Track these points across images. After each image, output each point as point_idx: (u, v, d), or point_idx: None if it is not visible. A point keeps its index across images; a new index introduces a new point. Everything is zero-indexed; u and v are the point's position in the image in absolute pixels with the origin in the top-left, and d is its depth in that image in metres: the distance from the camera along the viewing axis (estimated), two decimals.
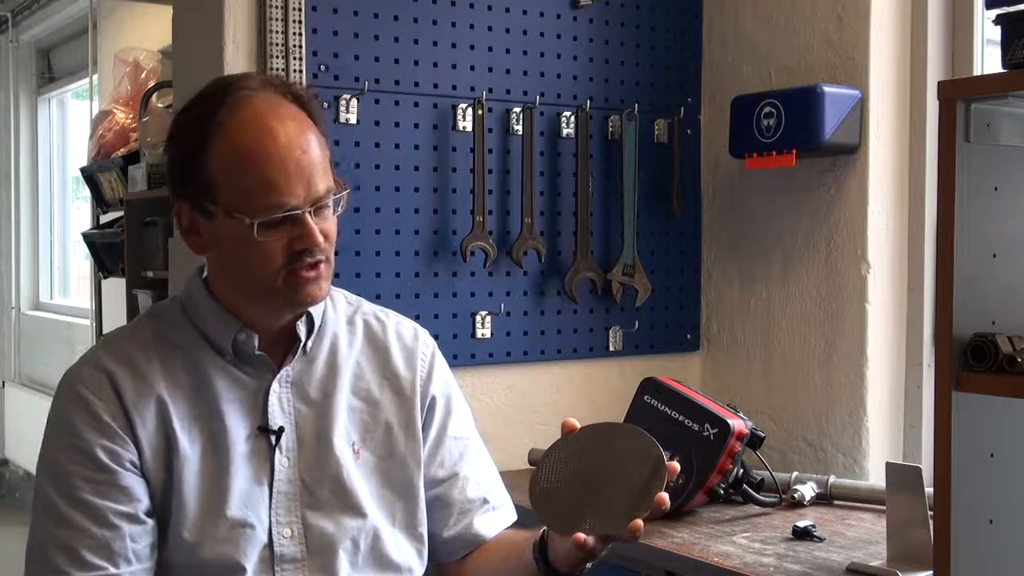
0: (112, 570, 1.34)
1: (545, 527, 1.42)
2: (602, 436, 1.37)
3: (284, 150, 1.37)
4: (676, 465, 1.33)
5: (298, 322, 1.48)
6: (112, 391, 1.39)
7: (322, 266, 1.41)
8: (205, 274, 1.50)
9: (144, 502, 1.38)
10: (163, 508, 1.39)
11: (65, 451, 1.37)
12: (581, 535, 1.30)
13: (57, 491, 1.36)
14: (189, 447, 1.40)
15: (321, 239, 1.39)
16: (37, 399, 6.61)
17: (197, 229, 1.43)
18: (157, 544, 1.39)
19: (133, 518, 1.37)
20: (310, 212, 1.39)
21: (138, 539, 1.37)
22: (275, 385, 1.46)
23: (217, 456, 1.41)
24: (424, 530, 1.54)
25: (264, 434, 1.44)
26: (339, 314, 1.56)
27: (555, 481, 1.36)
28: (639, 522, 1.28)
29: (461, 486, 1.58)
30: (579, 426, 1.38)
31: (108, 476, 1.36)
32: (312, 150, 1.40)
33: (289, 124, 1.39)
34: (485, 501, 1.60)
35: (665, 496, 1.30)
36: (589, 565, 1.39)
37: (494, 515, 1.60)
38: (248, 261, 1.39)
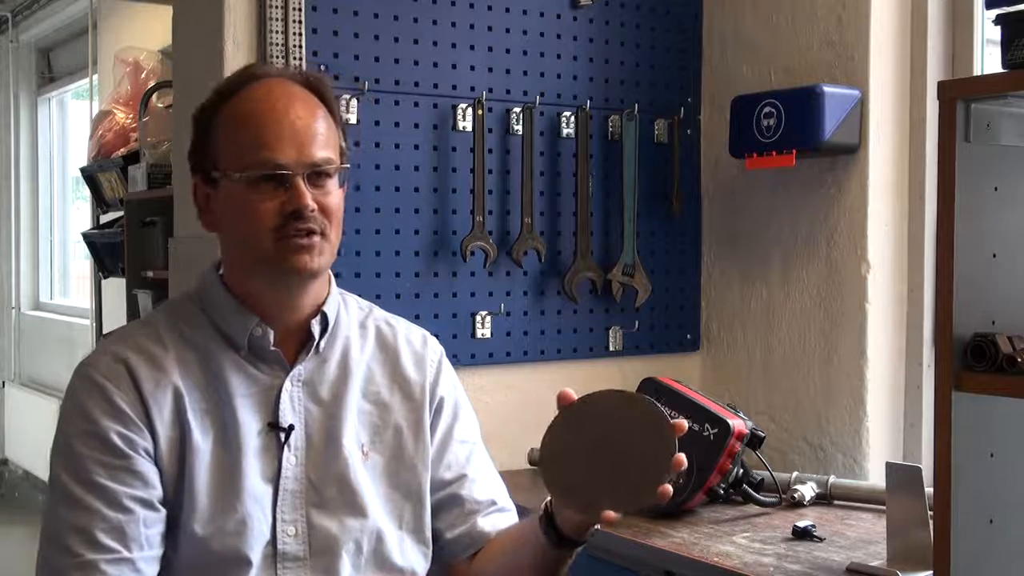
0: (125, 553, 1.34)
1: (549, 498, 1.41)
2: (602, 406, 1.36)
3: (280, 113, 1.41)
4: (683, 423, 1.33)
5: (312, 320, 1.49)
6: (130, 380, 1.39)
7: (316, 238, 1.41)
8: (221, 270, 1.50)
9: (157, 490, 1.38)
10: (174, 502, 1.39)
11: (80, 437, 1.37)
12: (611, 513, 1.30)
13: (72, 476, 1.36)
14: (202, 439, 1.40)
15: (312, 204, 1.39)
16: (37, 399, 6.62)
17: (209, 205, 1.46)
18: (166, 537, 1.39)
19: (147, 503, 1.37)
20: (303, 177, 1.40)
21: (151, 525, 1.37)
22: (287, 383, 1.47)
23: (228, 450, 1.41)
24: (429, 533, 1.54)
25: (274, 431, 1.45)
26: (351, 318, 1.57)
27: (568, 464, 1.34)
28: (668, 487, 1.29)
29: (469, 487, 1.58)
30: (575, 397, 1.38)
31: (123, 461, 1.36)
32: (313, 121, 1.42)
33: (295, 99, 1.43)
34: (493, 503, 1.59)
35: (682, 456, 1.30)
36: (599, 525, 1.39)
37: (501, 516, 1.59)
38: (242, 223, 1.41)
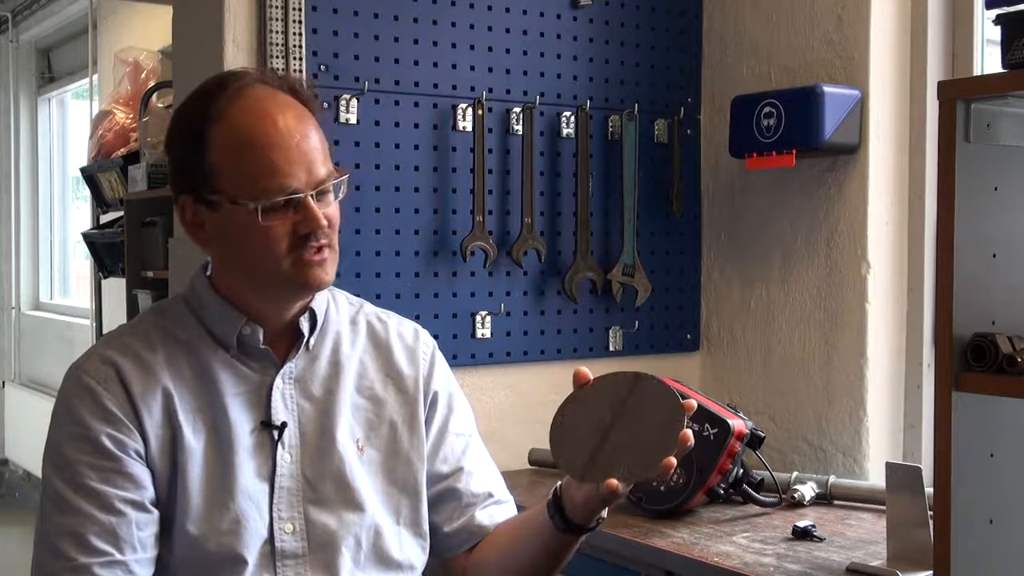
0: (118, 556, 1.34)
1: (559, 483, 1.44)
2: (616, 385, 1.40)
3: (285, 135, 1.39)
4: (693, 403, 1.37)
5: (301, 318, 1.49)
6: (119, 383, 1.39)
7: (326, 251, 1.42)
8: (209, 271, 1.50)
9: (149, 491, 1.38)
10: (167, 503, 1.40)
11: (71, 440, 1.37)
12: (614, 481, 1.33)
13: (63, 480, 1.36)
14: (193, 439, 1.41)
15: (324, 222, 1.40)
16: (37, 399, 6.61)
17: (201, 223, 1.44)
18: (160, 538, 1.39)
19: (139, 505, 1.37)
20: (312, 196, 1.40)
21: (143, 527, 1.37)
22: (278, 381, 1.47)
23: (220, 449, 1.42)
24: (427, 526, 1.55)
25: (267, 429, 1.45)
26: (342, 314, 1.57)
27: (577, 437, 1.38)
28: (671, 459, 1.32)
29: (466, 480, 1.58)
30: (592, 376, 1.41)
31: (114, 464, 1.36)
32: (311, 136, 1.42)
33: (287, 112, 1.41)
34: (490, 495, 1.60)
35: (688, 432, 1.33)
36: (605, 513, 1.42)
37: (498, 508, 1.60)
38: (253, 248, 1.40)
